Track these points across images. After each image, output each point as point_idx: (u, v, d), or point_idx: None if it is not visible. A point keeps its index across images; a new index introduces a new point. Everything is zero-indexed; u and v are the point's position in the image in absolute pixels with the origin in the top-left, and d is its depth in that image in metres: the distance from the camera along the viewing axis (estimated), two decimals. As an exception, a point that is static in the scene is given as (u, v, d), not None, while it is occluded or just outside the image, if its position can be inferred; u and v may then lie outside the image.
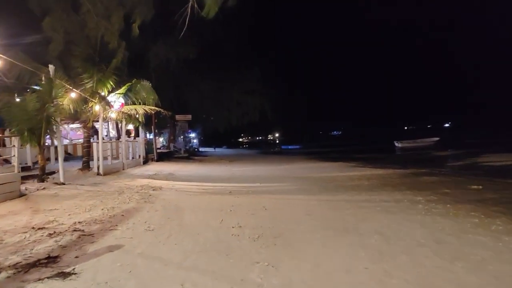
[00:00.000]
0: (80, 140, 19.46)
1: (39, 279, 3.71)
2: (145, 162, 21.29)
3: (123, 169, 16.42)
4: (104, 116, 14.97)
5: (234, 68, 35.85)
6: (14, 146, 9.32)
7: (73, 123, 20.93)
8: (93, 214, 6.99)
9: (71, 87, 12.12)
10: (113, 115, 15.58)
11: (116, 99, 14.87)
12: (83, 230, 5.71)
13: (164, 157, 26.98)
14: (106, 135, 23.65)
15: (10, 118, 10.31)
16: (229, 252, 4.79)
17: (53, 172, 11.96)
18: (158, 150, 27.86)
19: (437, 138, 46.10)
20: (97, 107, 13.97)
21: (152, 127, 26.39)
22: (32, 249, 4.71)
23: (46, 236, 5.34)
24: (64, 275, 3.84)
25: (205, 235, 5.67)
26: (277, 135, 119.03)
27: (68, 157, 20.63)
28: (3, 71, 10.62)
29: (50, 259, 4.31)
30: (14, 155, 9.25)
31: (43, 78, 10.65)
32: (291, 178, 14.27)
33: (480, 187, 10.81)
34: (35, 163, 12.80)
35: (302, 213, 7.41)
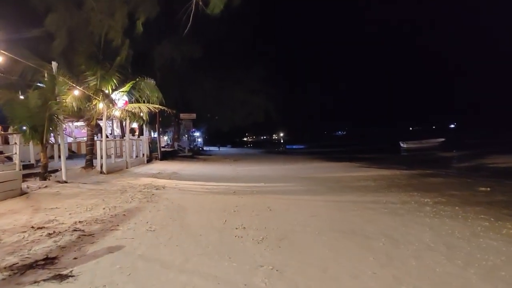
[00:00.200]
0: (84, 138, 19.39)
1: (35, 282, 3.58)
2: (149, 160, 21.21)
3: (127, 168, 16.34)
4: (108, 114, 14.87)
5: (238, 68, 35.76)
6: (15, 143, 9.21)
7: (77, 121, 20.91)
8: (94, 213, 6.86)
9: (74, 85, 12.02)
10: (117, 113, 15.48)
11: (120, 97, 14.77)
12: (83, 230, 5.58)
13: (168, 156, 26.91)
14: (111, 133, 23.62)
15: (13, 115, 10.22)
16: (232, 255, 4.64)
17: (56, 170, 11.86)
18: (162, 149, 27.81)
19: (443, 139, 45.77)
20: (100, 105, 13.87)
21: (157, 125, 26.32)
22: (30, 250, 4.59)
23: (45, 236, 5.22)
24: (61, 277, 3.70)
25: (208, 236, 5.52)
26: (281, 134, 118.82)
27: (72, 155, 20.62)
28: (6, 67, 10.51)
29: (48, 261, 4.18)
30: (15, 153, 9.15)
31: (45, 75, 10.56)
32: (296, 178, 14.11)
33: (488, 189, 10.62)
34: (38, 161, 12.70)
35: (308, 214, 7.25)
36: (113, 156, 15.97)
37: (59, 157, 14.17)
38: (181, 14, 11.37)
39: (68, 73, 12.31)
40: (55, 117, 10.49)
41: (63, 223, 5.98)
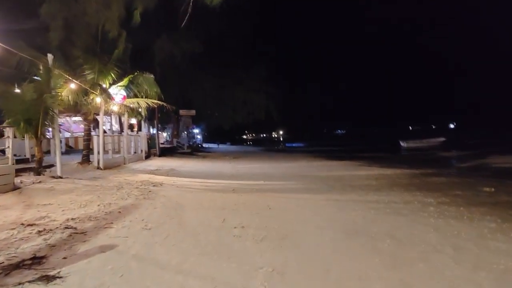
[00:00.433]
0: (82, 133, 19.20)
1: (20, 283, 3.35)
2: (147, 157, 20.98)
3: (125, 164, 16.11)
4: (106, 109, 14.62)
5: (238, 67, 35.50)
6: (8, 137, 8.97)
7: (75, 115, 20.68)
8: (88, 210, 6.63)
9: (70, 78, 11.76)
10: (115, 108, 15.23)
11: (118, 92, 14.51)
12: (75, 228, 5.36)
13: (167, 152, 26.70)
14: (109, 129, 23.40)
15: (7, 108, 9.97)
16: (231, 255, 4.42)
17: (52, 165, 11.64)
18: (161, 145, 27.59)
19: (443, 139, 45.59)
20: (98, 100, 13.62)
21: (155, 121, 26.08)
22: (18, 248, 4.36)
23: (35, 233, 4.99)
24: (47, 279, 3.47)
25: (206, 235, 5.30)
26: (281, 132, 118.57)
27: (70, 150, 20.45)
28: (1, 59, 10.26)
29: (35, 260, 3.96)
30: (8, 146, 8.91)
31: (41, 68, 10.30)
32: (297, 176, 13.90)
33: (492, 189, 10.39)
34: (33, 155, 12.48)
35: (309, 213, 7.03)
36: (110, 152, 15.75)
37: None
38: (180, 5, 11.11)
39: (65, 66, 12.05)
40: (50, 111, 10.23)
41: (55, 220, 5.75)
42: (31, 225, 5.40)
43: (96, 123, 17.15)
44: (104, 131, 18.01)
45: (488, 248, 4.88)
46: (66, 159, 13.79)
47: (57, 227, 5.33)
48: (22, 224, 5.43)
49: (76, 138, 22.37)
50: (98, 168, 13.22)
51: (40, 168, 10.40)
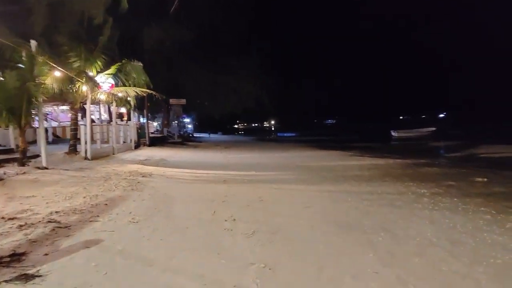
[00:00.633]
0: (69, 123, 18.79)
1: (-5, 283, 3.15)
2: (137, 146, 20.66)
3: (113, 154, 15.81)
4: (93, 97, 14.23)
5: (230, 55, 35.04)
6: (-11, 127, 8.63)
7: (62, 104, 20.19)
8: (73, 202, 6.40)
9: (55, 65, 11.35)
10: (102, 96, 14.84)
11: (106, 80, 14.11)
12: (59, 222, 5.13)
13: (157, 142, 26.35)
14: (98, 118, 22.96)
15: (-11, 97, 9.60)
16: (220, 251, 4.25)
17: (38, 156, 11.29)
18: (151, 135, 27.23)
19: (434, 128, 45.76)
20: (84, 88, 13.24)
21: (145, 110, 25.67)
22: (-4, 244, 4.14)
23: (16, 228, 4.76)
24: (26, 277, 3.27)
25: (195, 229, 5.12)
26: (272, 122, 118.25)
27: (57, 139, 20.00)
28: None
29: (15, 257, 3.74)
30: (-10, 137, 8.60)
31: (24, 55, 9.90)
32: (288, 167, 13.74)
33: (485, 179, 10.35)
34: (18, 145, 12.13)
35: (302, 205, 6.87)
36: (99, 142, 15.42)
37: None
38: None
39: (50, 53, 11.62)
40: (33, 99, 9.87)
41: (37, 214, 5.51)
42: (12, 219, 5.16)
43: (84, 112, 16.73)
44: (93, 121, 17.64)
45: (485, 241, 4.77)
46: (53, 149, 13.44)
47: (40, 221, 5.10)
48: (3, 218, 5.19)
49: (63, 128, 21.90)
50: (86, 158, 12.91)
51: (24, 158, 10.09)
